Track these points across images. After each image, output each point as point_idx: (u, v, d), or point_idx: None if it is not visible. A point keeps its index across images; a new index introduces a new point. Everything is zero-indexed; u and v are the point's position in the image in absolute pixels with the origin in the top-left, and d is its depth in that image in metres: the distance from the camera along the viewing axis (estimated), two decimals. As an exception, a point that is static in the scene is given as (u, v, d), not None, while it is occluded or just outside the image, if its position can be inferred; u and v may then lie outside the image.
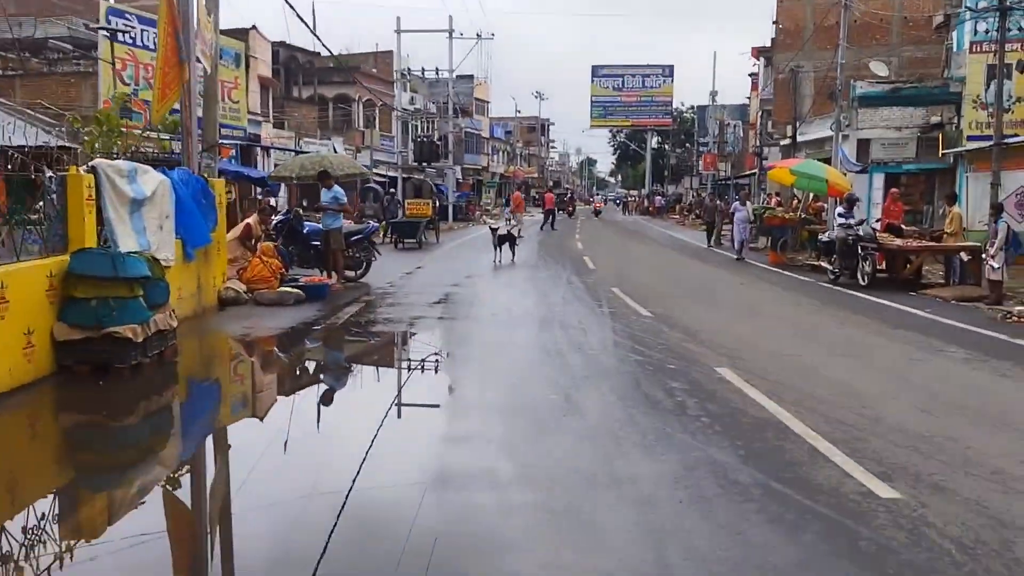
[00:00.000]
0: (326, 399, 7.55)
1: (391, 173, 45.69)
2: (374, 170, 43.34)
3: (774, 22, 44.18)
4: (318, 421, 6.75)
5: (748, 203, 23.02)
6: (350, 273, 15.44)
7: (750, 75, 64.60)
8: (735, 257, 21.84)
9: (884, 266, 17.17)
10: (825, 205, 28.89)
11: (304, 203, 25.56)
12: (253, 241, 13.97)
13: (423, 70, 44.90)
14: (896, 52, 38.88)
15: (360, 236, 15.32)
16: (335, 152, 39.92)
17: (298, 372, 9.07)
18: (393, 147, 46.29)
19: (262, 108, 35.45)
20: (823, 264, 18.34)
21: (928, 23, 41.04)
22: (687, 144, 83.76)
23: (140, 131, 15.76)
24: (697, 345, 9.40)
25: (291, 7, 16.36)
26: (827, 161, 38.96)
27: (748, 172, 53.29)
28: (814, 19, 44.02)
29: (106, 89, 24.02)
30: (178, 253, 10.81)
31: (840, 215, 17.69)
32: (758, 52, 54.74)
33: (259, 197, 27.91)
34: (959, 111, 27.20)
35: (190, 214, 10.97)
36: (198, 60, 20.90)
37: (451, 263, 20.30)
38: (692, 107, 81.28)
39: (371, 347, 10.02)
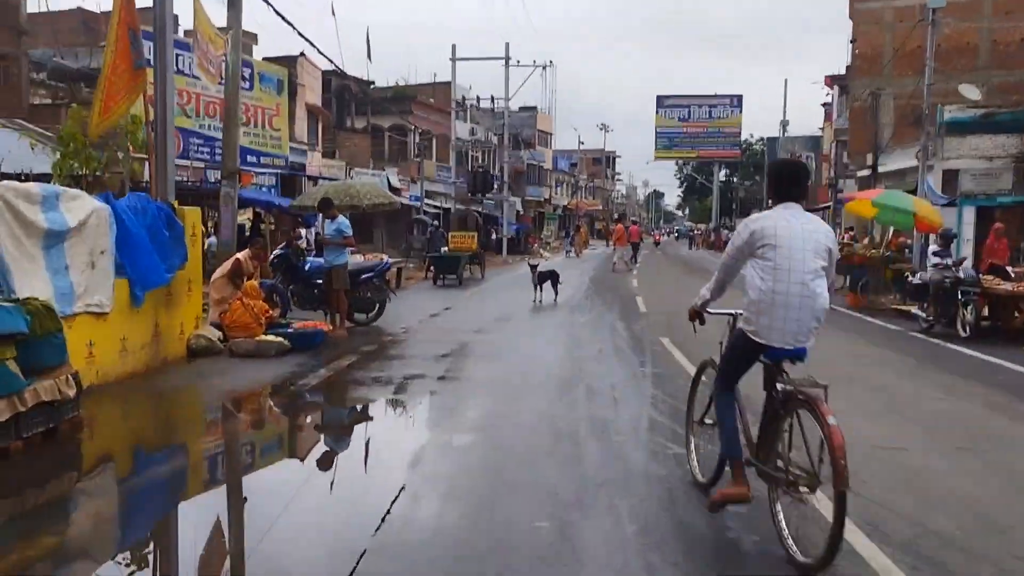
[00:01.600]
0: (234, 501, 5.36)
1: (446, 205, 43.97)
2: (427, 201, 41.71)
3: (852, 41, 41.18)
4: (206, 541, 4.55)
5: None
6: (361, 316, 13.35)
7: (823, 105, 61.48)
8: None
9: (987, 313, 14.35)
10: (909, 241, 25.95)
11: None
12: (245, 279, 12.01)
13: (478, 99, 43.11)
14: (984, 77, 35.41)
15: (371, 274, 13.24)
16: (388, 183, 38.41)
17: (212, 465, 6.89)
18: (449, 178, 44.62)
19: (309, 137, 34.06)
20: (913, 310, 15.54)
21: (1020, 46, 37.61)
22: (756, 176, 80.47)
23: (123, 153, 13.95)
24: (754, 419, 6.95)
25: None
26: (911, 193, 35.92)
27: (821, 206, 50.01)
28: (893, 44, 41.01)
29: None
30: (123, 296, 8.84)
31: (935, 254, 14.94)
32: (832, 80, 51.72)
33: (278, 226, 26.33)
34: (1061, 138, 24.04)
35: (141, 249, 9.00)
36: (195, 76, 19.02)
37: (486, 303, 18.09)
38: (761, 139, 78.15)
39: (329, 424, 7.78)
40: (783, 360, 4.79)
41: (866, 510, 5.01)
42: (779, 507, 4.51)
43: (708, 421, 5.45)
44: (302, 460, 6.42)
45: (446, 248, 26.07)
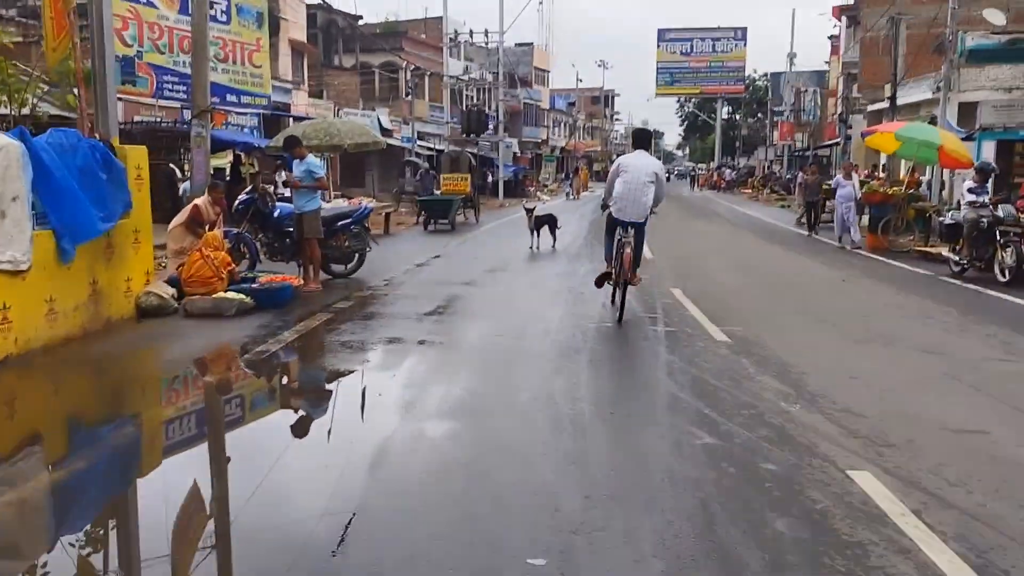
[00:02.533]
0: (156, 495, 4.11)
1: (440, 146, 42.28)
2: (420, 143, 40.01)
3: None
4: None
5: (855, 175, 18.38)
6: (338, 267, 12.01)
7: (829, 38, 59.21)
8: (837, 245, 17.63)
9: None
10: (923, 178, 24.47)
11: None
12: (207, 228, 10.66)
13: (471, 33, 41.11)
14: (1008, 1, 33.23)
15: (349, 221, 11.85)
16: (378, 123, 36.71)
17: (129, 458, 5.61)
18: (443, 118, 42.85)
19: (295, 75, 32.30)
20: (944, 252, 14.21)
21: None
22: (759, 114, 78.28)
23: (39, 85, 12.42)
24: (806, 406, 5.69)
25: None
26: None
27: (829, 142, 48.29)
28: (908, -31, 38.82)
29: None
30: (47, 251, 7.50)
31: (970, 190, 13.55)
32: (840, 11, 49.48)
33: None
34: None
35: (68, 195, 7.63)
36: (150, 3, 17.49)
37: (479, 250, 16.73)
38: (765, 74, 75.79)
39: (275, 406, 6.47)
40: (628, 226, 8.98)
41: (967, 529, 3.76)
42: (618, 292, 9.07)
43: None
44: (216, 468, 5.14)
45: (438, 191, 24.63)
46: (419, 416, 5.54)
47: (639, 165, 9.02)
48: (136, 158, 9.18)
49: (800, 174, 26.79)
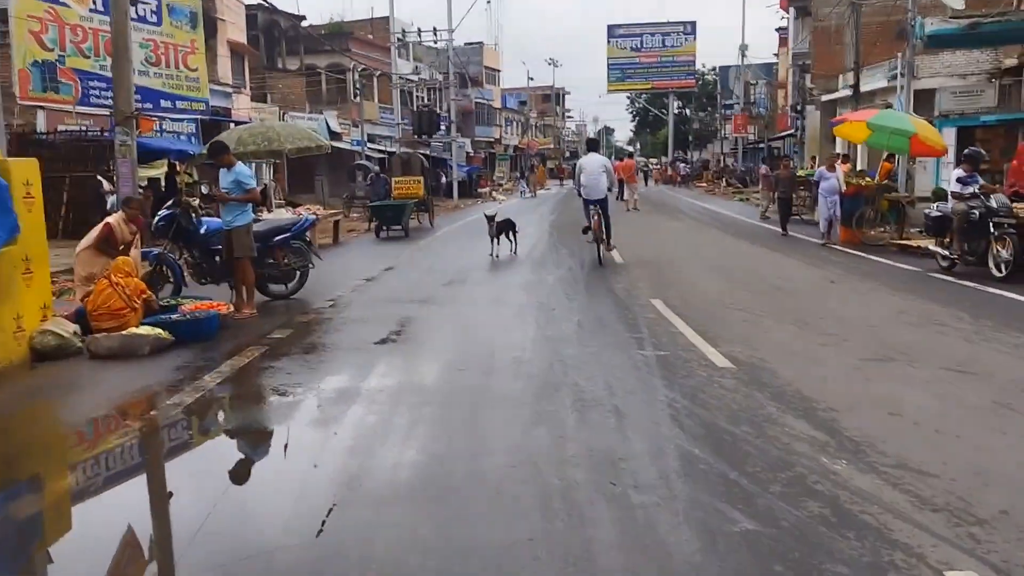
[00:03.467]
0: None
1: (392, 148, 40.79)
2: (371, 145, 38.48)
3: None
4: None
5: (839, 167, 17.19)
6: (278, 288, 10.61)
7: (778, 30, 58.84)
8: (820, 242, 16.45)
9: None
10: (894, 167, 23.69)
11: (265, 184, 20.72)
12: (121, 249, 9.20)
13: (419, 31, 39.56)
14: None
15: (287, 235, 10.44)
16: (327, 127, 35.12)
17: None
18: (393, 120, 41.35)
19: (235, 78, 30.60)
20: (932, 247, 13.23)
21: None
22: (709, 108, 77.94)
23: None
24: (852, 461, 4.47)
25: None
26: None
27: (782, 133, 47.77)
28: (857, -43, 38.27)
29: (21, 58, 19.20)
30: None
31: (959, 180, 12.57)
32: (788, 2, 48.95)
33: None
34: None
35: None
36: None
37: (435, 259, 15.36)
38: (714, 68, 75.44)
39: (179, 484, 5.10)
40: (595, 203, 13.42)
41: None
42: (600, 248, 13.34)
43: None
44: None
45: (390, 196, 23.23)
46: (363, 500, 4.20)
47: (593, 162, 13.91)
48: (24, 173, 7.68)
49: (763, 167, 25.86)
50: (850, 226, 16.94)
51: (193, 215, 10.00)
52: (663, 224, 22.31)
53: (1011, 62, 26.42)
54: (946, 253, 12.52)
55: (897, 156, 22.37)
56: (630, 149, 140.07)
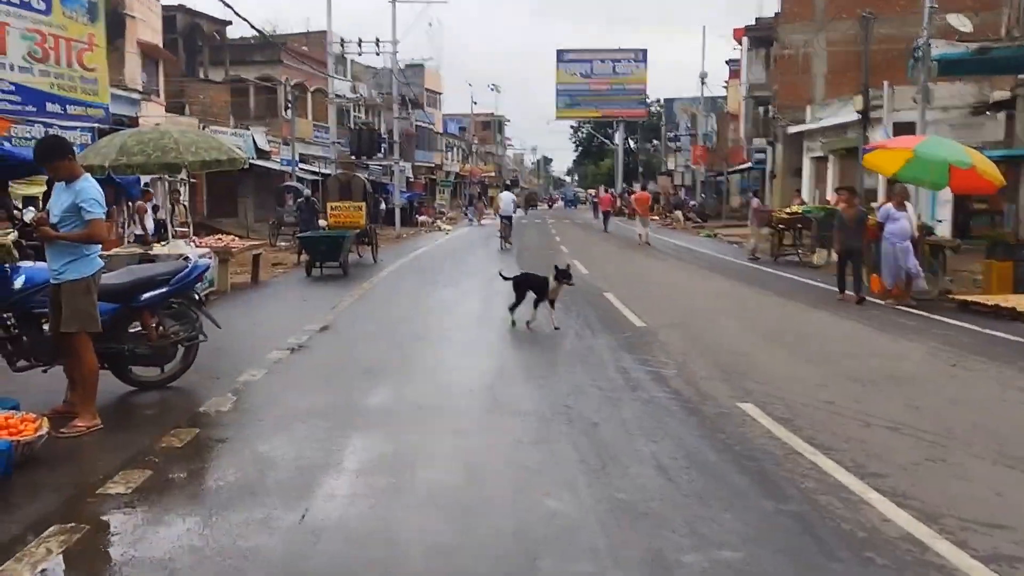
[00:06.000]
0: None
1: (326, 170, 36.73)
2: (303, 166, 34.41)
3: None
4: None
5: (909, 206, 12.95)
6: (149, 372, 6.69)
7: (728, 62, 56.86)
8: (880, 300, 12.21)
9: None
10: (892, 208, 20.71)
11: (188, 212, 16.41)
12: None
13: (360, 42, 35.66)
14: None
15: (163, 291, 6.53)
16: (253, 143, 30.93)
17: None
18: (328, 139, 37.30)
19: (148, 83, 26.28)
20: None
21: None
22: (654, 140, 75.81)
23: None
24: None
25: None
26: (855, 150, 31.15)
27: (739, 167, 45.33)
28: (826, -17, 36.06)
29: None
30: None
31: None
32: (745, 31, 46.75)
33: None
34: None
35: None
36: None
37: (385, 313, 11.44)
38: (658, 100, 73.50)
39: None
40: (505, 217, 24.46)
41: None
42: (503, 244, 23.75)
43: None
44: None
45: (323, 224, 19.27)
46: None
47: (506, 197, 25.36)
48: None
49: (754, 200, 22.61)
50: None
51: (3, 259, 6.01)
52: (653, 266, 18.81)
53: (1002, 95, 24.08)
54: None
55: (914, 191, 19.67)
56: (567, 179, 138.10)
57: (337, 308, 11.43)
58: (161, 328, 6.64)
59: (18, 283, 6.02)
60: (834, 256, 19.38)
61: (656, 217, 47.24)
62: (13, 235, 6.14)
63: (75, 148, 16.57)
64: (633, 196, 39.11)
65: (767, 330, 9.83)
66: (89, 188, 5.70)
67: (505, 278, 10.15)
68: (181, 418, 5.91)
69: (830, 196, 23.56)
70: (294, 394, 6.63)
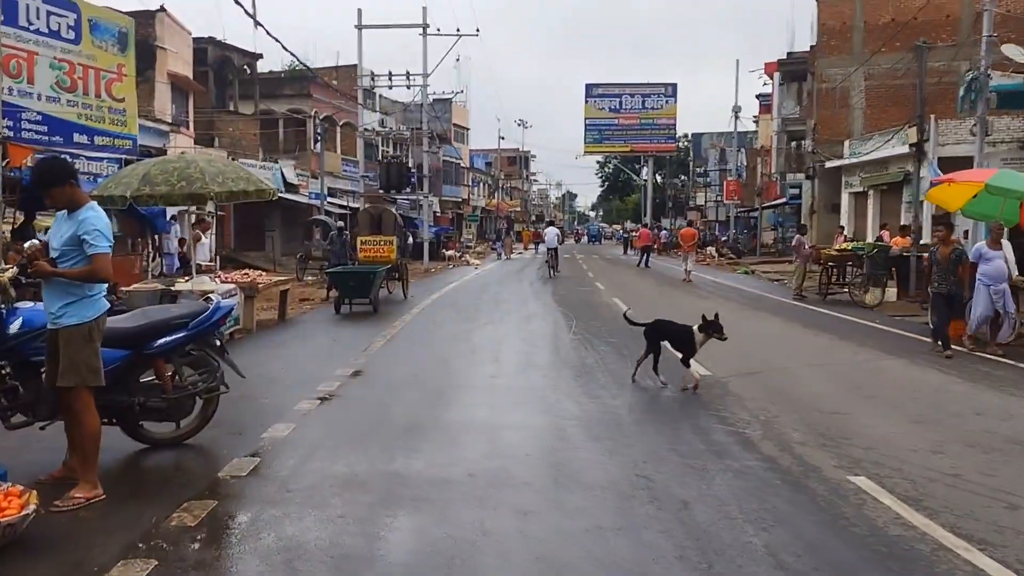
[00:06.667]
0: None
1: (354, 204, 36.21)
2: (331, 200, 33.87)
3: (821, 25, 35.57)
4: None
5: (1006, 243, 11.75)
6: (163, 428, 5.84)
7: (759, 96, 56.12)
8: (967, 346, 10.98)
9: None
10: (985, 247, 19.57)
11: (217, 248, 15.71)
12: None
13: (390, 74, 35.25)
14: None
15: (181, 336, 5.69)
16: (281, 177, 30.45)
17: None
18: (356, 173, 36.81)
19: (177, 115, 25.90)
20: None
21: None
22: (681, 175, 75.01)
23: None
24: None
25: None
26: (897, 185, 30.06)
27: (775, 202, 44.29)
28: (864, 17, 35.34)
29: None
30: None
31: None
32: (777, 66, 46.02)
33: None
34: None
35: None
36: None
37: (423, 357, 10.52)
38: (685, 135, 72.81)
39: None
40: (551, 249, 28.19)
41: None
42: (550, 271, 26.91)
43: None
44: None
45: (353, 259, 18.51)
46: None
47: (550, 232, 30.01)
48: None
49: (795, 236, 21.53)
50: (963, 318, 12.68)
51: (1, 301, 5.20)
52: (700, 306, 17.71)
53: (1051, 129, 23.12)
54: None
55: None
56: (591, 214, 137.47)
57: (369, 350, 10.56)
58: (177, 378, 5.80)
59: (14, 327, 5.20)
60: (889, 296, 18.42)
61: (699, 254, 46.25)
62: (12, 271, 5.33)
63: (96, 177, 15.48)
64: (643, 232, 38.29)
65: (850, 382, 8.78)
66: (93, 218, 4.88)
67: (632, 323, 8.69)
68: (197, 486, 5.03)
69: (886, 233, 22.51)
70: (326, 456, 5.73)
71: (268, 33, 14.38)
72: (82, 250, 4.80)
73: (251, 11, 16.44)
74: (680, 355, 8.12)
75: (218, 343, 5.99)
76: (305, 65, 26.89)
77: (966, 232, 18.87)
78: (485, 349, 10.60)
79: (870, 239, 27.15)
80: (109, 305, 5.02)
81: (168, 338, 5.65)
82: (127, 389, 5.55)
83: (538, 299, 17.93)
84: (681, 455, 5.73)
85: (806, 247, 20.03)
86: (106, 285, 5.01)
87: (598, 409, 7.10)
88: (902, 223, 23.54)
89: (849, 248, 19.22)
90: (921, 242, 20.26)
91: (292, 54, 26.75)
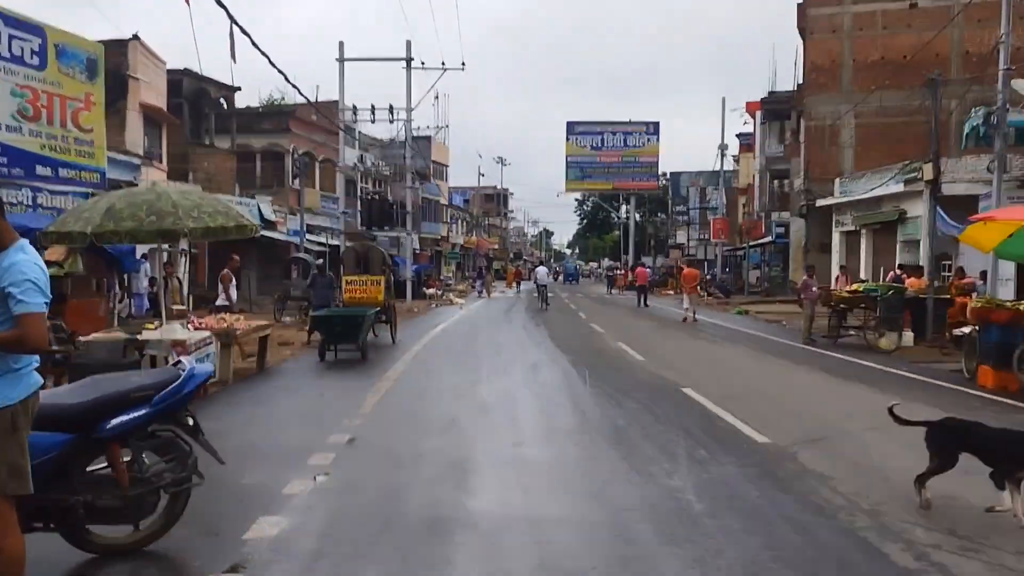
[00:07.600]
0: None
1: (334, 241, 34.88)
2: (310, 237, 32.50)
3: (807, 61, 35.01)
4: None
5: None
6: (116, 532, 4.45)
7: (739, 135, 55.82)
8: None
9: None
10: (979, 282, 18.81)
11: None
12: None
13: (373, 107, 34.20)
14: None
15: (142, 415, 4.34)
16: (259, 213, 29.03)
17: None
18: (336, 210, 35.52)
19: (149, 147, 24.52)
20: None
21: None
22: (660, 213, 74.56)
23: None
24: None
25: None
26: (891, 224, 29.32)
27: (760, 241, 43.53)
28: (853, 55, 34.90)
29: None
30: None
31: None
32: (760, 104, 45.62)
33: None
34: None
35: None
36: None
37: (429, 411, 9.12)
38: (664, 173, 72.43)
39: None
40: (542, 285, 32.86)
41: None
42: (543, 304, 31.69)
43: None
44: None
45: (337, 300, 17.13)
46: None
47: (541, 270, 35.31)
48: None
49: (804, 277, 20.36)
50: (1006, 367, 11.62)
51: None
52: (711, 351, 16.46)
53: (1050, 165, 22.49)
54: None
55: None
56: (567, 252, 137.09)
57: (363, 408, 9.18)
58: (137, 468, 4.42)
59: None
60: (906, 340, 17.38)
61: (671, 291, 45.21)
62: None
63: (60, 212, 13.91)
64: (640, 270, 37.15)
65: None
66: (24, 264, 3.55)
67: (904, 421, 5.91)
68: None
69: (902, 273, 21.56)
70: (330, 570, 4.36)
71: (273, 66, 13.56)
72: (7, 307, 3.47)
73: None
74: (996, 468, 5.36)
75: (190, 421, 4.62)
76: (307, 98, 25.59)
77: (983, 273, 17.94)
78: (497, 408, 9.26)
79: (862, 279, 26.45)
80: (41, 381, 3.67)
81: (125, 416, 4.29)
82: (69, 485, 4.18)
83: (538, 345, 16.60)
84: (789, 564, 4.43)
85: (814, 288, 18.98)
86: (36, 356, 3.66)
87: (658, 494, 5.77)
88: (918, 263, 22.62)
89: (861, 289, 18.20)
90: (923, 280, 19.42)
91: (296, 88, 25.46)
